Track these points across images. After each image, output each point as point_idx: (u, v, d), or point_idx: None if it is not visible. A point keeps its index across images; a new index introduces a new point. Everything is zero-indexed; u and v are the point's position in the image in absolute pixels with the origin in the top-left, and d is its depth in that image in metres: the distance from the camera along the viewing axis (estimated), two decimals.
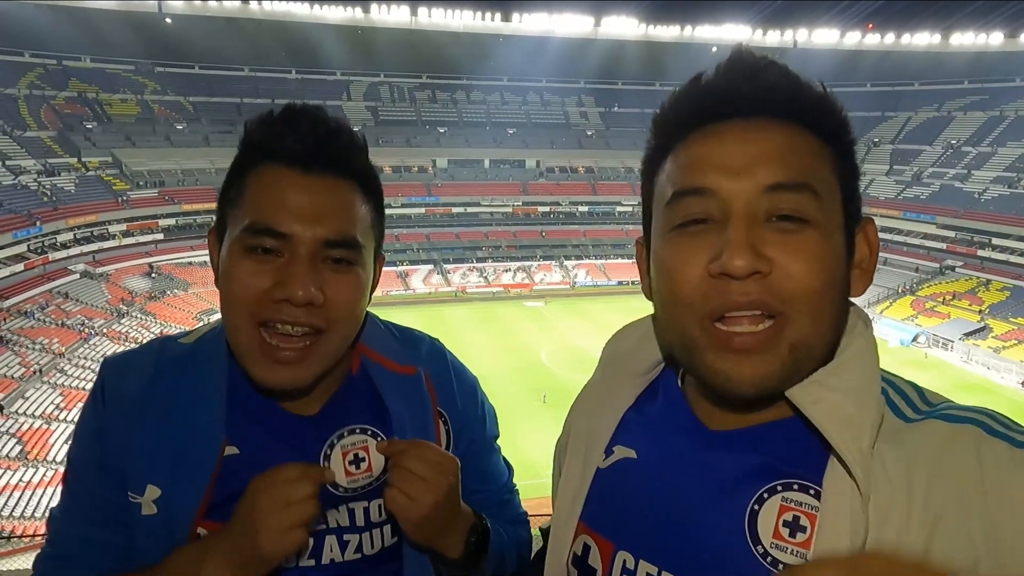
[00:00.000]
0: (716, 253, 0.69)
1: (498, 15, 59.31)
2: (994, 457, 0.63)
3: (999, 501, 0.61)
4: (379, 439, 1.05)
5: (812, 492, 0.70)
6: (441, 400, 1.13)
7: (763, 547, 0.71)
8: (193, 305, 36.59)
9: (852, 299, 0.77)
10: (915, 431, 0.68)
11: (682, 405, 0.83)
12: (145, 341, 1.13)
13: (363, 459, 1.02)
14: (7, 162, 39.22)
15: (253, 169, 0.96)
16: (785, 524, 0.70)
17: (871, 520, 0.64)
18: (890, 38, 59.37)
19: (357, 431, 1.05)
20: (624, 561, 0.80)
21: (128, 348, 1.12)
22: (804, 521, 0.69)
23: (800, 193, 0.69)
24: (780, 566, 0.69)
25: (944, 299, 38.36)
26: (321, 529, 1.01)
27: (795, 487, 0.71)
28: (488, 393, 1.27)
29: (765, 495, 0.72)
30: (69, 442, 1.07)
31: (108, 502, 0.98)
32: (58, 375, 26.11)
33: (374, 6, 56.55)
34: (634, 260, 0.86)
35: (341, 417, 1.06)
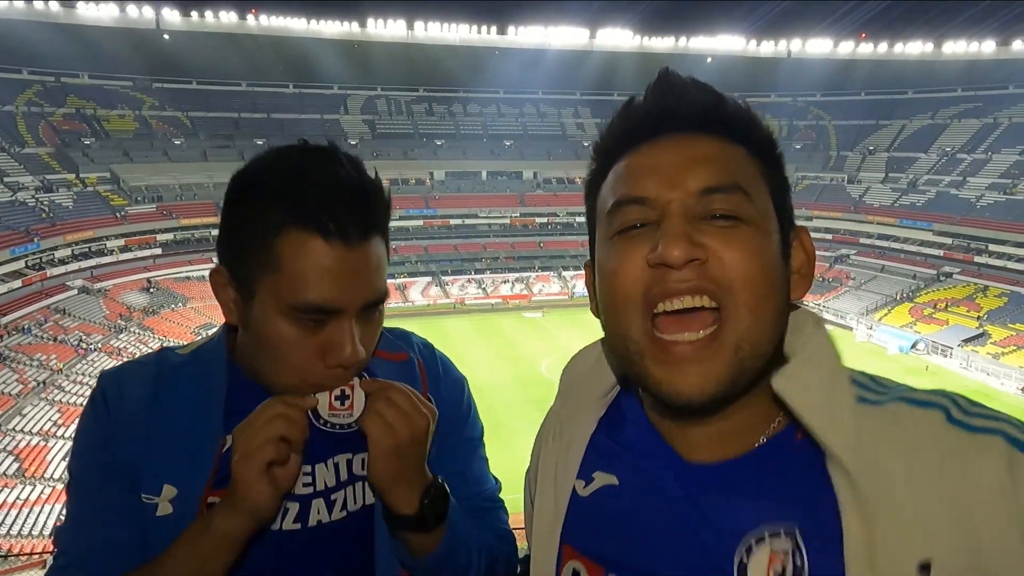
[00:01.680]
0: (653, 246, 0.72)
1: (494, 28, 59.73)
2: (949, 445, 0.65)
3: (956, 484, 0.64)
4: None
5: (791, 536, 0.69)
6: (430, 387, 1.17)
7: None
8: (191, 319, 36.52)
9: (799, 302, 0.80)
10: (884, 414, 0.69)
11: (652, 432, 0.83)
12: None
13: (348, 396, 1.02)
14: (5, 179, 39.27)
15: (285, 234, 0.93)
16: (776, 574, 0.69)
17: (870, 509, 0.64)
18: (883, 47, 59.82)
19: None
20: None
21: (124, 361, 1.15)
22: (789, 573, 0.69)
23: (732, 193, 0.73)
24: None
25: (942, 306, 38.40)
26: (308, 493, 1.06)
27: (781, 534, 0.70)
28: (489, 405, 1.27)
29: (753, 544, 0.71)
30: (68, 457, 1.07)
31: (120, 505, 1.00)
32: (56, 391, 26.01)
33: (371, 20, 56.94)
34: None
35: None
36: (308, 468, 1.06)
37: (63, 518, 1.05)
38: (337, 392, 1.02)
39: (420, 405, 1.00)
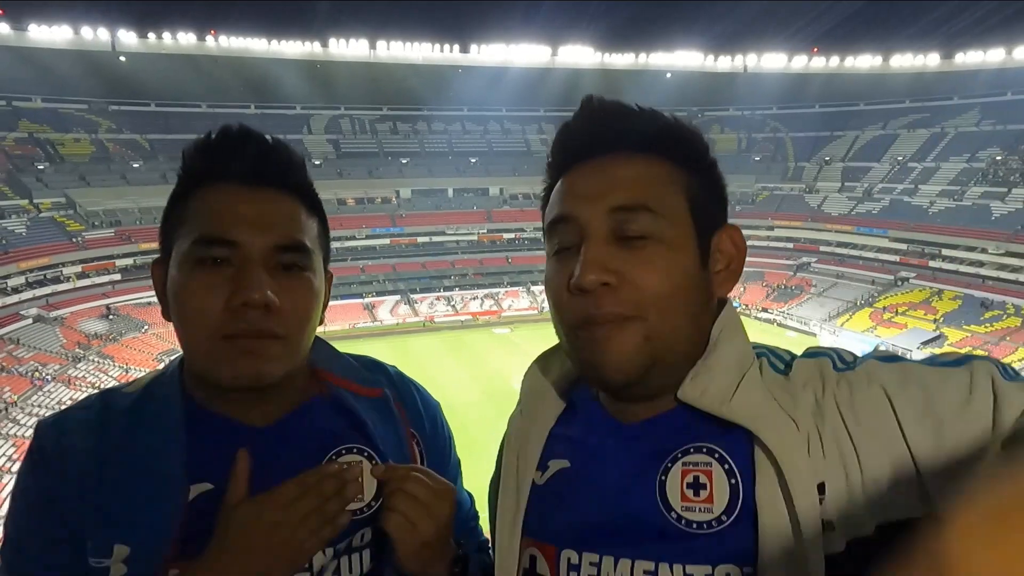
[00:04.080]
0: (573, 272, 0.82)
1: (456, 47, 60.09)
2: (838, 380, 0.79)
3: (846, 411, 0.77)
4: (373, 462, 1.02)
5: (705, 450, 0.81)
6: (411, 420, 1.12)
7: (676, 512, 0.80)
8: (153, 346, 35.55)
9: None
10: (791, 375, 0.82)
11: (598, 409, 0.93)
12: (103, 387, 1.07)
13: (356, 481, 0.99)
14: None
15: (196, 189, 0.96)
16: (689, 486, 0.80)
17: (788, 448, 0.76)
18: (835, 61, 61.79)
19: (354, 450, 1.03)
20: (569, 559, 0.86)
21: (63, 408, 1.02)
22: (703, 479, 0.80)
23: (638, 213, 0.81)
24: (693, 525, 0.79)
25: (901, 310, 39.49)
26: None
27: (691, 450, 0.82)
28: (462, 423, 1.27)
29: (669, 465, 0.82)
30: (5, 519, 0.95)
31: (62, 574, 0.90)
32: (10, 425, 24.99)
33: (332, 40, 56.81)
34: None
35: (332, 435, 1.03)
36: None
37: None
38: None
39: (441, 489, 0.96)
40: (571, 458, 0.92)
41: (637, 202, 0.82)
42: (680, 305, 0.82)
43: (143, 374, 1.09)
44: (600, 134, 0.86)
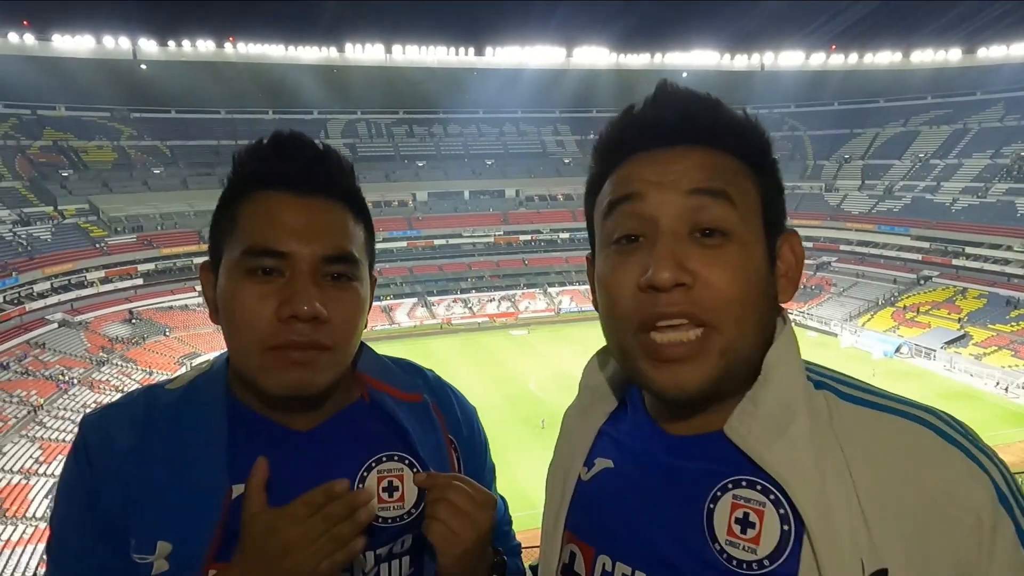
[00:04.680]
0: (645, 268, 0.76)
1: (471, 50, 60.28)
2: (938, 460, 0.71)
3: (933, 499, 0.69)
4: (414, 469, 1.03)
5: (759, 487, 0.76)
6: (449, 427, 1.12)
7: (720, 544, 0.76)
8: (175, 349, 36.05)
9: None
10: (869, 419, 0.75)
11: (644, 414, 0.89)
12: (126, 390, 1.08)
13: (397, 488, 1.01)
14: None
15: (246, 196, 0.96)
16: (737, 521, 0.75)
17: (819, 507, 0.70)
18: (853, 58, 61.13)
19: (395, 457, 1.04)
20: (604, 564, 0.85)
21: (107, 403, 1.04)
22: (753, 517, 0.75)
23: (718, 199, 0.77)
24: (734, 563, 0.75)
25: (924, 309, 38.89)
26: None
27: (743, 483, 0.77)
28: (482, 425, 1.26)
29: (719, 494, 0.77)
30: (51, 509, 0.97)
31: (106, 569, 0.92)
32: (37, 428, 25.47)
33: (349, 45, 57.25)
34: None
35: (374, 441, 1.04)
36: None
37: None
38: (385, 484, 0.99)
39: (482, 498, 0.96)
40: (616, 460, 0.90)
41: (717, 186, 0.77)
42: (751, 311, 0.78)
43: (184, 371, 1.10)
44: (670, 122, 0.81)
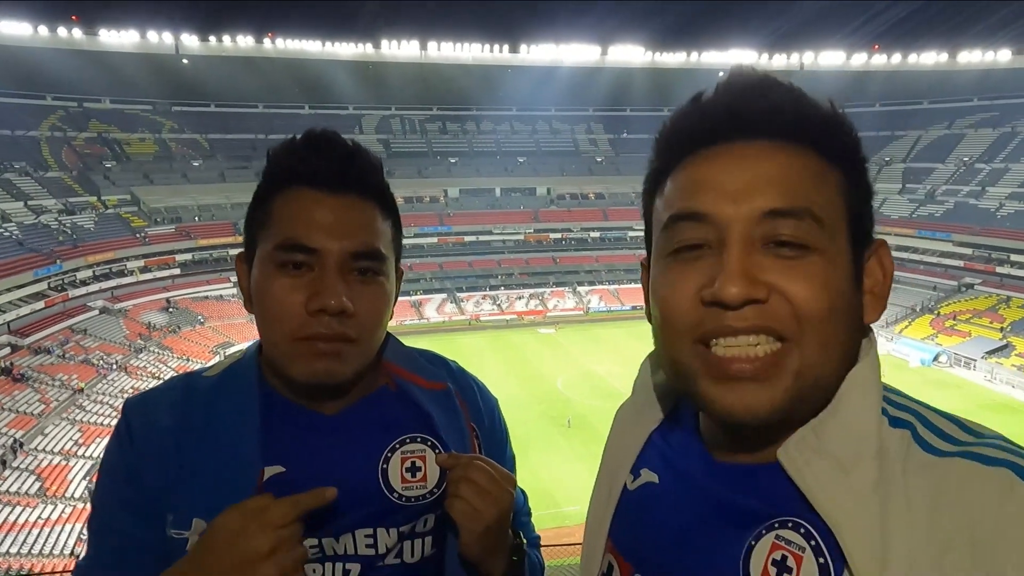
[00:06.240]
0: (710, 279, 0.66)
1: (506, 47, 60.33)
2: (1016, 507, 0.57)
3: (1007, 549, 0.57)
4: (436, 451, 1.07)
5: (803, 531, 0.67)
6: (471, 416, 1.16)
7: None
8: (209, 339, 36.86)
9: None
10: (948, 472, 0.62)
11: (695, 434, 0.82)
12: (164, 376, 1.12)
13: (419, 468, 1.04)
14: (29, 202, 40.12)
15: (280, 192, 1.00)
16: (774, 563, 0.68)
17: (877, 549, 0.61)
18: (896, 58, 59.61)
19: (419, 439, 1.08)
20: None
21: (149, 388, 1.12)
22: (791, 562, 0.67)
23: (800, 219, 0.66)
24: None
25: (964, 317, 37.81)
26: (369, 555, 1.03)
27: (789, 524, 0.68)
28: (507, 422, 1.28)
29: (763, 531, 0.70)
30: (93, 486, 1.04)
31: (144, 542, 0.97)
32: (77, 411, 26.31)
33: (384, 42, 57.78)
34: None
35: (398, 425, 1.08)
36: (370, 531, 1.03)
37: (83, 553, 1.02)
38: (408, 464, 1.03)
39: (501, 479, 1.00)
40: (660, 475, 0.84)
41: (799, 205, 0.66)
42: (838, 330, 0.67)
43: (220, 359, 1.16)
44: (746, 115, 0.69)
